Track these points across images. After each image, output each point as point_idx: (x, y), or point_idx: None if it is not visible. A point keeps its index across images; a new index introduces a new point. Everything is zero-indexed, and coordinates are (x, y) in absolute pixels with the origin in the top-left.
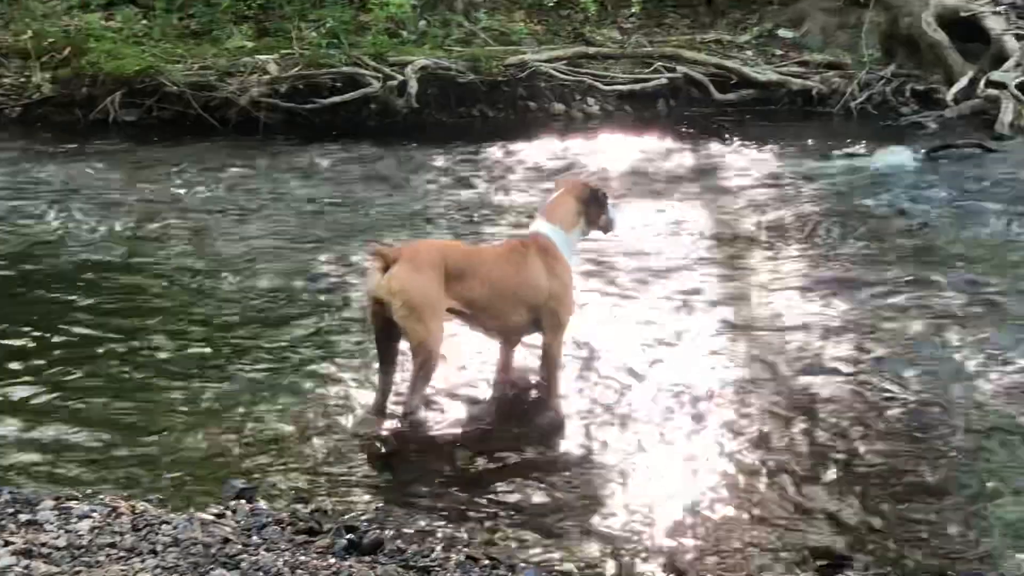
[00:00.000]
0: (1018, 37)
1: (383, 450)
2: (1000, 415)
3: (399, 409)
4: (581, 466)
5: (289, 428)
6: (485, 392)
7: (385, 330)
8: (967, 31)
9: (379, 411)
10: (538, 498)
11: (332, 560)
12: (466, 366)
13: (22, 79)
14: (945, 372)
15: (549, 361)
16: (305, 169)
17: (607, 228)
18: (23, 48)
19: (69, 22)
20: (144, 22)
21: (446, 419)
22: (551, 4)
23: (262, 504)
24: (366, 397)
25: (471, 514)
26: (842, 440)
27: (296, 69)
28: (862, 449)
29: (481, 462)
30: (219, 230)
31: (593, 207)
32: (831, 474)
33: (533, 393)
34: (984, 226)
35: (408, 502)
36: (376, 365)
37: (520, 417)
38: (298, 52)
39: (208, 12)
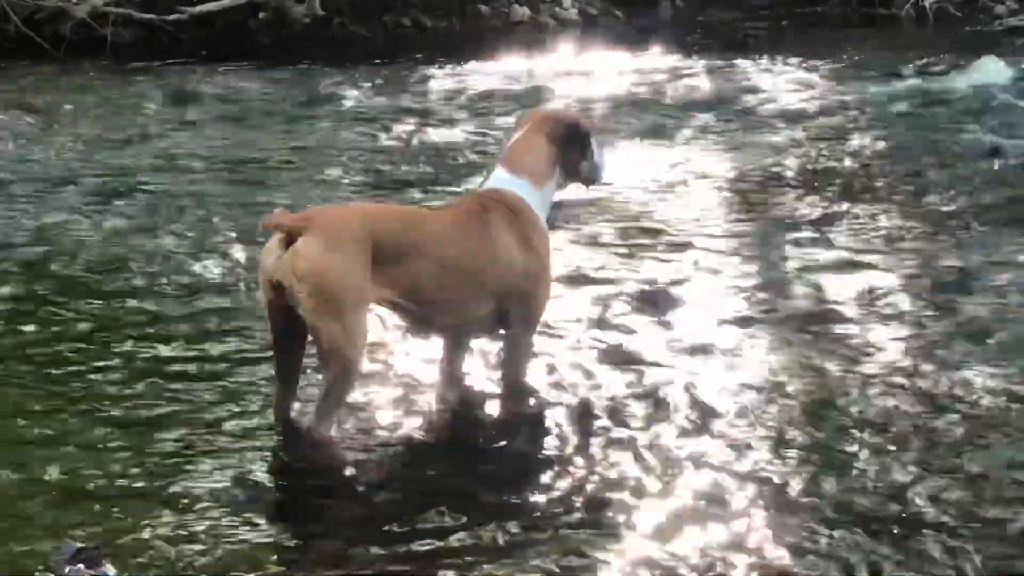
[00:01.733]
0: None
1: (279, 491)
2: None
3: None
4: (551, 523)
5: (152, 460)
6: (421, 411)
7: (286, 327)
8: None
9: (279, 429)
10: (498, 513)
11: None
12: (393, 375)
13: None
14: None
15: (515, 363)
16: (169, 103)
17: (591, 178)
18: None
19: None
20: None
21: (365, 448)
22: None
23: (109, 570)
24: (251, 417)
25: (435, 538)
26: (856, 441)
27: None
28: (934, 446)
29: (410, 508)
30: (66, 191)
31: (571, 149)
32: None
33: (488, 412)
34: None
35: (311, 553)
36: (273, 374)
37: (467, 445)
38: None
39: None
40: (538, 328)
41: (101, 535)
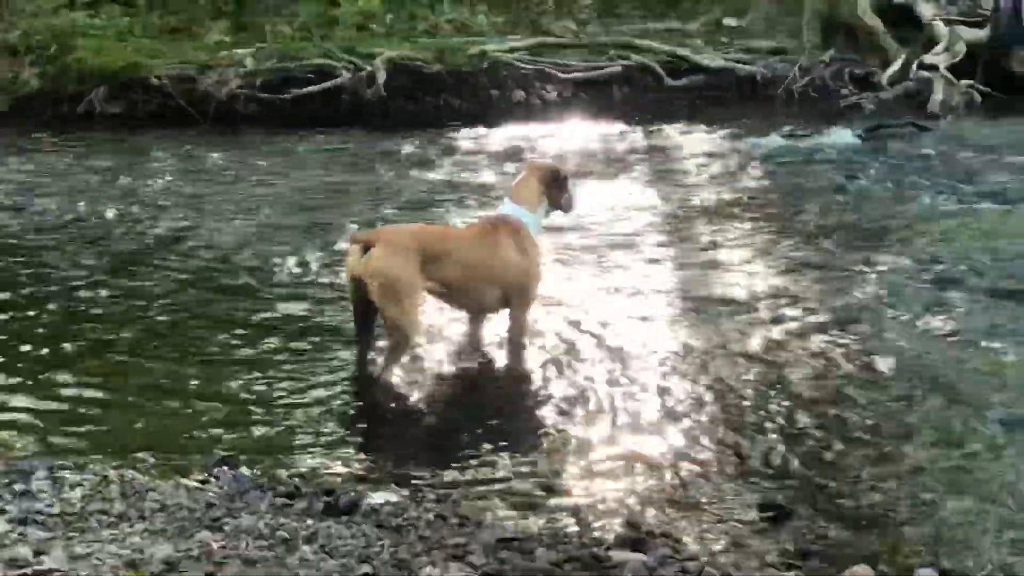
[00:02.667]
0: (947, 22)
1: (358, 419)
2: (924, 369)
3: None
4: (543, 433)
5: (270, 400)
6: (454, 364)
7: (363, 308)
8: (901, 17)
9: (359, 381)
10: (503, 462)
11: (310, 521)
12: (436, 340)
13: (11, 74)
14: (886, 334)
15: (516, 332)
16: (280, 156)
17: (568, 207)
18: (12, 45)
19: (56, 20)
20: (127, 19)
21: (417, 389)
22: None
23: (244, 471)
24: (340, 371)
25: (442, 477)
26: (786, 395)
27: (271, 62)
28: (806, 404)
29: (449, 428)
30: (201, 216)
31: (555, 187)
32: (777, 429)
33: (499, 364)
34: (915, 200)
35: (383, 467)
36: (355, 343)
37: (486, 387)
38: (272, 46)
39: (188, 9)
40: (531, 309)
41: (236, 447)
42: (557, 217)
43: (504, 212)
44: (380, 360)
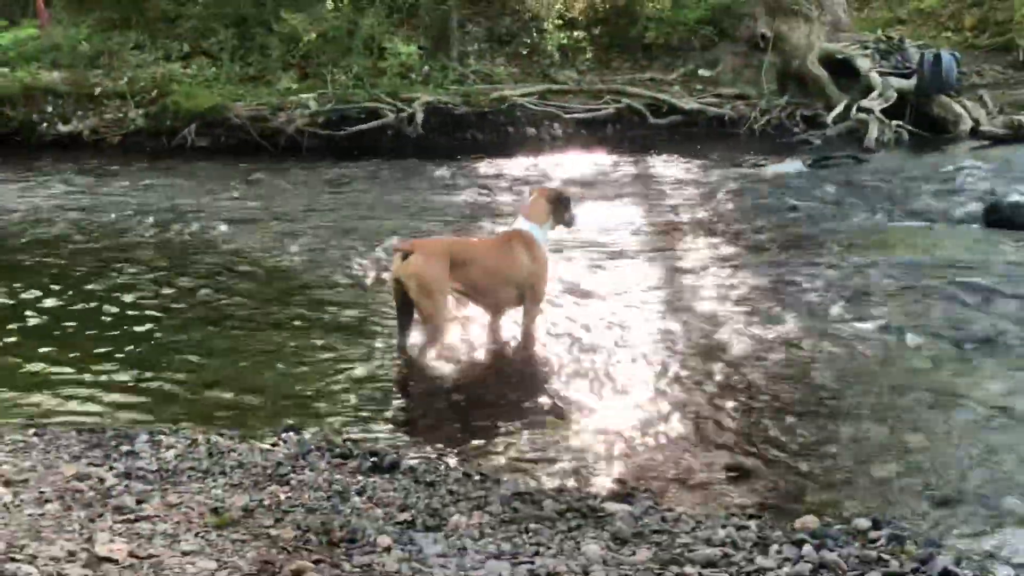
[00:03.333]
0: (881, 73)
1: (398, 395)
2: (861, 355)
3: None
4: (551, 406)
5: (326, 379)
6: (477, 351)
7: (403, 303)
8: (842, 69)
9: (401, 364)
10: (516, 431)
11: (360, 477)
12: (462, 333)
13: (120, 115)
14: (830, 325)
15: (528, 325)
16: (336, 181)
17: (570, 223)
18: (121, 91)
19: (156, 70)
20: (213, 69)
21: (446, 371)
22: (525, 52)
23: (306, 436)
24: (383, 356)
25: (468, 442)
26: (746, 379)
27: (330, 104)
28: (762, 386)
29: (472, 403)
30: (274, 231)
31: (560, 207)
32: (738, 405)
33: (514, 351)
34: (853, 218)
35: (419, 433)
36: (396, 333)
37: (503, 370)
38: (331, 91)
39: (262, 61)
40: (540, 306)
41: (300, 417)
42: (561, 231)
43: (518, 227)
44: (418, 346)
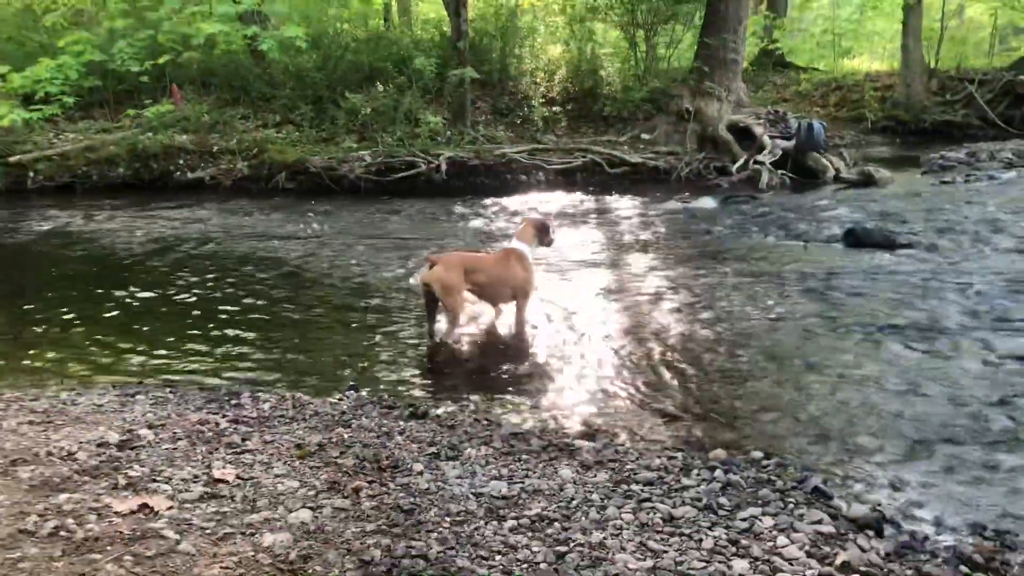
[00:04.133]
0: (770, 136)
1: (428, 364)
2: (756, 335)
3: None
4: (538, 372)
5: (376, 353)
6: (484, 335)
7: (430, 301)
8: (743, 133)
9: (429, 343)
10: (512, 388)
11: (401, 422)
12: (474, 324)
13: (231, 165)
14: (736, 313)
15: (520, 316)
16: (386, 212)
17: (549, 244)
18: (232, 149)
19: (256, 134)
20: (297, 133)
21: (464, 348)
22: (518, 121)
23: (363, 393)
24: (415, 338)
25: (478, 397)
26: (677, 352)
27: (380, 158)
28: (690, 355)
29: (480, 370)
30: (339, 247)
31: (543, 232)
32: (670, 371)
33: (511, 335)
34: (752, 237)
35: (443, 391)
36: (425, 320)
37: (503, 347)
38: (381, 149)
39: (332, 127)
40: (529, 302)
41: (358, 379)
42: (544, 250)
43: (513, 246)
44: (442, 331)
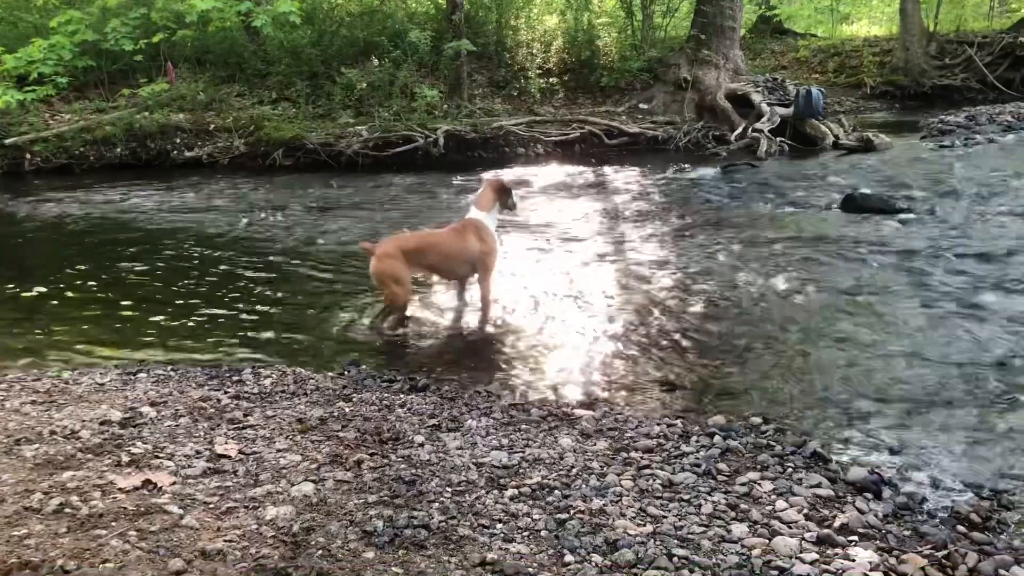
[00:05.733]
0: (768, 104)
1: (428, 339)
2: (755, 302)
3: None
4: (538, 343)
5: (375, 330)
6: (456, 313)
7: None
8: (741, 101)
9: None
10: (505, 363)
11: (401, 396)
12: (450, 304)
13: (228, 143)
14: (735, 282)
15: (484, 291)
16: (383, 188)
17: (513, 208)
18: (228, 126)
19: (252, 111)
20: (294, 110)
21: (462, 324)
22: (515, 93)
23: (364, 367)
24: (417, 313)
25: (478, 370)
26: (676, 321)
27: (377, 134)
28: (689, 324)
29: (483, 342)
30: (338, 223)
31: (503, 195)
32: (668, 340)
33: (503, 310)
34: (750, 206)
35: (443, 364)
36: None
37: (503, 320)
38: (378, 124)
39: (328, 103)
40: (492, 274)
41: (358, 355)
42: (511, 216)
43: (470, 216)
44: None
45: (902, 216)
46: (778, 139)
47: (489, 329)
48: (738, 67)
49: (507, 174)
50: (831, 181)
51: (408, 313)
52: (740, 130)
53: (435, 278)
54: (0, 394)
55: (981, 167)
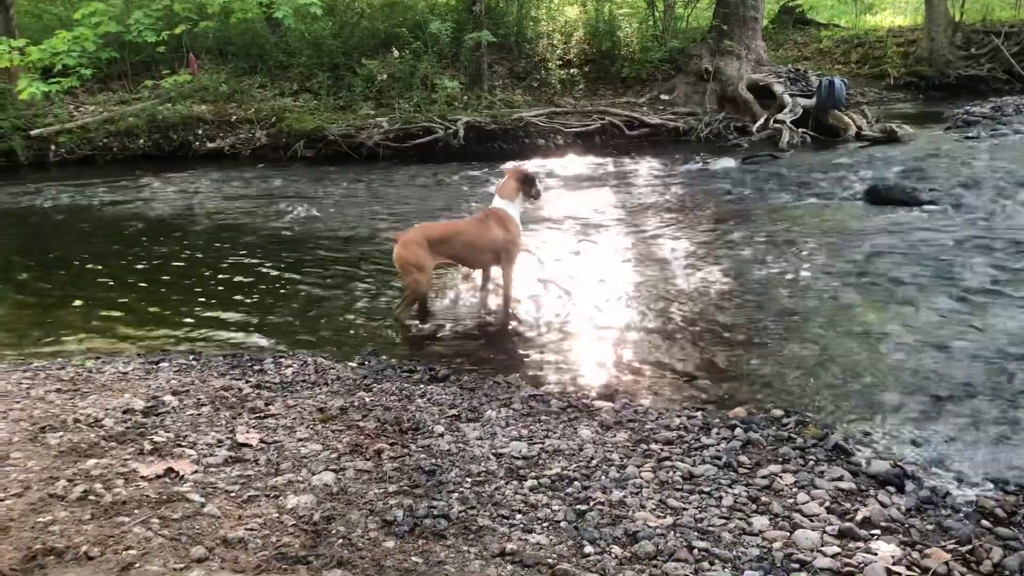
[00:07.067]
0: (791, 95)
1: (449, 329)
2: (777, 292)
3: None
4: (558, 334)
5: (391, 319)
6: (474, 305)
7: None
8: (763, 92)
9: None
10: (525, 352)
11: (422, 386)
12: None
13: (250, 135)
14: (757, 273)
15: (506, 280)
16: (405, 178)
17: (537, 197)
18: (250, 118)
19: (274, 103)
20: (315, 102)
21: (483, 314)
22: (535, 84)
23: (384, 358)
24: (437, 304)
25: (498, 360)
26: (697, 313)
27: (397, 125)
28: (710, 316)
29: (503, 333)
30: (358, 214)
31: (527, 185)
32: (689, 330)
33: (497, 302)
34: (772, 198)
35: (463, 354)
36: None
37: (524, 311)
38: (398, 115)
39: (349, 95)
40: (516, 264)
41: (377, 345)
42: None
43: (493, 206)
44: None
45: (927, 208)
46: (800, 130)
47: (509, 319)
48: (760, 58)
49: (529, 164)
50: (854, 172)
51: (429, 303)
52: (762, 121)
53: (461, 268)
54: (25, 382)
55: (1007, 158)
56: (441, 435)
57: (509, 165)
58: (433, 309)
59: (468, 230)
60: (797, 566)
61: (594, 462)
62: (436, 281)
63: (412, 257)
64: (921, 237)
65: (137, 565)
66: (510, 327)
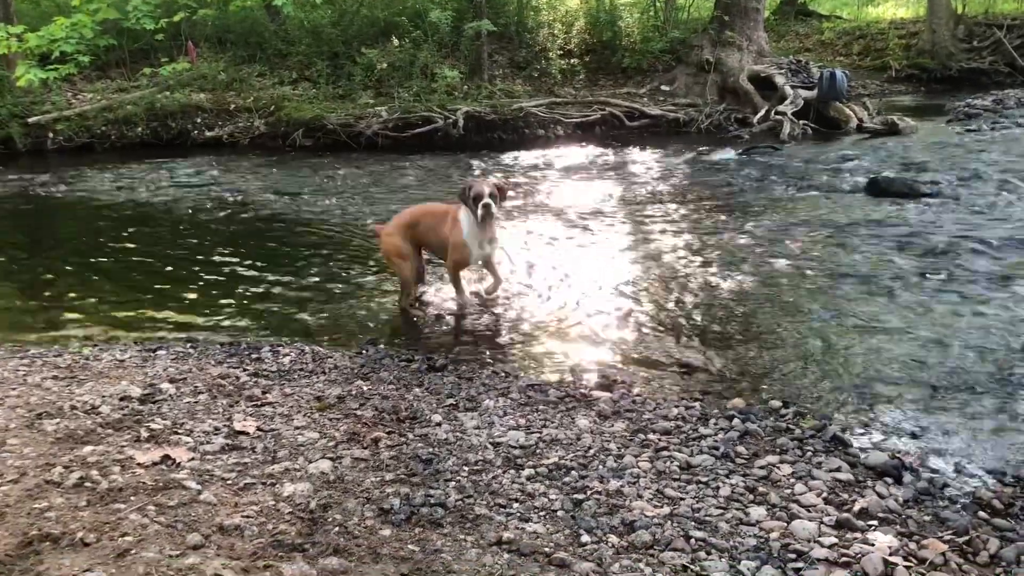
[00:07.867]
0: (792, 86)
1: (447, 319)
2: (775, 284)
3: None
4: (556, 324)
5: (396, 306)
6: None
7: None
8: (764, 84)
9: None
10: (524, 343)
11: (420, 375)
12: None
13: (248, 123)
14: (757, 265)
15: (450, 278)
16: (402, 168)
17: (482, 218)
18: (249, 106)
19: (273, 92)
20: (314, 90)
21: (481, 306)
22: (536, 74)
23: (381, 346)
24: (434, 293)
25: (496, 350)
26: (695, 303)
27: (397, 114)
28: (709, 307)
29: (501, 323)
30: (356, 204)
31: (473, 202)
32: (687, 321)
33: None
34: (772, 190)
35: (461, 344)
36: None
37: (522, 301)
38: (398, 105)
39: (348, 84)
40: (455, 265)
41: (376, 334)
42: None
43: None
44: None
45: (927, 200)
46: (801, 122)
47: (508, 311)
48: (762, 49)
49: (528, 156)
50: (855, 164)
51: (423, 291)
52: (763, 112)
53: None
54: (22, 369)
55: (1008, 151)
56: (439, 424)
57: (476, 176)
58: (429, 299)
59: (431, 214)
60: (794, 556)
61: (591, 451)
62: (435, 272)
63: (391, 246)
64: (921, 230)
65: (133, 551)
66: (508, 318)
